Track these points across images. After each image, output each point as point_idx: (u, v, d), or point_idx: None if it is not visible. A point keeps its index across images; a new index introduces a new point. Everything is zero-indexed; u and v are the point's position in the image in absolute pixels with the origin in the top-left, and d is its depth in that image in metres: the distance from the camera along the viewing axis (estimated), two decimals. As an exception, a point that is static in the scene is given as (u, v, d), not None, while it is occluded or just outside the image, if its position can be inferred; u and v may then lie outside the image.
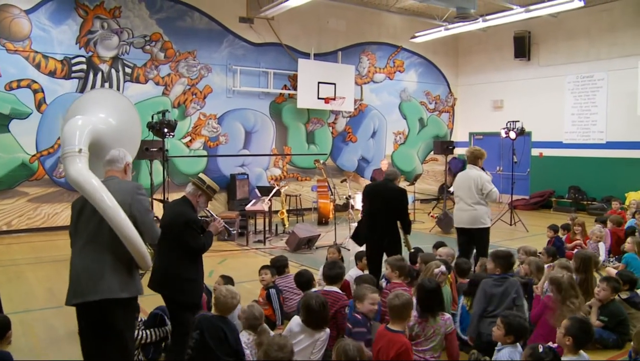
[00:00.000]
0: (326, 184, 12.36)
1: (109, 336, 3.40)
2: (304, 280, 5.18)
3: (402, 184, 13.66)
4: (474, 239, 6.72)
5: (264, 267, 5.59)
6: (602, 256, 7.77)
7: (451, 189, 13.43)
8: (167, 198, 9.18)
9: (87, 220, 3.46)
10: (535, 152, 15.66)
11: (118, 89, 11.60)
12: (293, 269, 7.88)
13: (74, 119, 3.83)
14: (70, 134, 3.68)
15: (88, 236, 3.44)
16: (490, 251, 5.81)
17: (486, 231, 6.76)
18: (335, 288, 4.88)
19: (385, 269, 5.44)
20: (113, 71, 11.65)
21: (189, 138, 12.65)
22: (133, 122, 4.39)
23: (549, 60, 15.20)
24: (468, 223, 6.70)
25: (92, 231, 3.43)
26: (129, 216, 3.42)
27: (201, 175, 4.61)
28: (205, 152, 12.86)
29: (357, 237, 6.54)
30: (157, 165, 10.36)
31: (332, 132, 15.11)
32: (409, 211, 6.54)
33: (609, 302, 5.09)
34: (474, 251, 6.82)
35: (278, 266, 5.78)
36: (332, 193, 11.43)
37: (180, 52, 12.44)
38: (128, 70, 11.84)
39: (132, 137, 4.34)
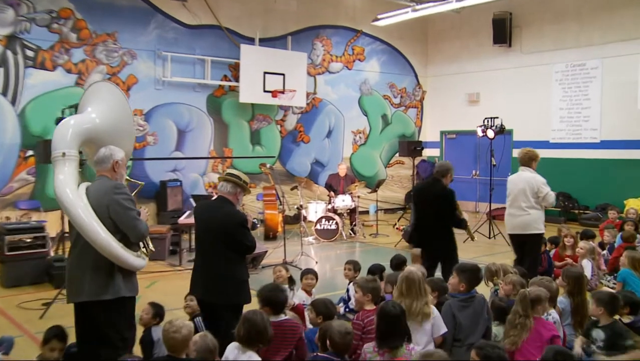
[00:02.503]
0: (274, 192, 12.34)
1: (96, 335, 4.21)
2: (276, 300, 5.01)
3: (363, 191, 13.81)
4: (524, 247, 7.29)
5: (188, 294, 5.53)
6: (588, 274, 7.95)
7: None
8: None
9: (73, 226, 4.25)
10: (517, 153, 15.97)
11: (17, 75, 11.22)
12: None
13: (66, 120, 4.56)
14: (57, 137, 4.37)
15: (74, 241, 4.32)
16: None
17: (540, 238, 7.38)
18: (283, 317, 4.71)
19: (354, 292, 5.41)
20: (9, 53, 11.24)
21: (107, 138, 12.32)
22: (127, 116, 4.90)
23: (534, 46, 15.57)
24: (521, 228, 7.25)
25: (76, 238, 4.26)
26: (108, 219, 4.15)
27: (231, 170, 5.23)
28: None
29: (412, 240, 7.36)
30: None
31: (280, 132, 15.08)
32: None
33: (610, 323, 5.09)
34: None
35: None
36: (281, 202, 11.37)
37: (97, 33, 12.15)
38: (30, 53, 11.45)
39: (127, 131, 4.87)
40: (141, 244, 4.48)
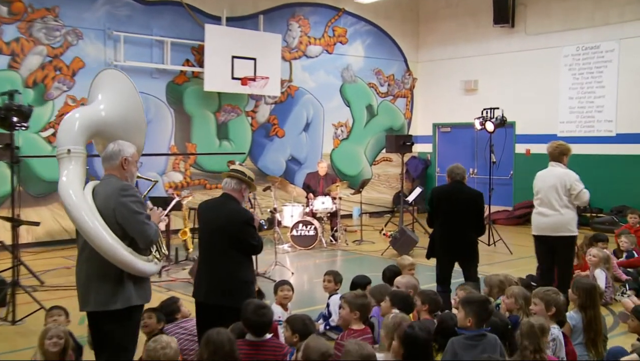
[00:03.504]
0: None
1: (108, 345, 4.41)
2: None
3: (345, 192, 13.80)
4: (554, 251, 7.45)
5: (148, 310, 5.60)
6: (602, 286, 7.97)
7: (410, 198, 13.84)
8: (19, 215, 8.76)
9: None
10: (520, 148, 16.10)
11: None
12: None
13: (71, 113, 4.67)
14: (61, 133, 4.53)
15: (82, 247, 4.42)
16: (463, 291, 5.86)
17: (573, 241, 7.55)
18: (266, 337, 4.80)
19: (340, 308, 5.37)
20: None
21: (51, 131, 12.23)
22: (137, 106, 4.96)
23: (540, 26, 15.62)
24: (552, 230, 7.40)
25: (84, 242, 4.35)
26: (115, 223, 4.27)
27: (234, 166, 5.58)
28: (74, 151, 12.45)
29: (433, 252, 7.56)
30: (3, 168, 9.97)
31: (251, 124, 15.03)
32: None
33: None
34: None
35: (166, 312, 5.87)
36: (252, 205, 11.30)
37: (34, 7, 11.99)
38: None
39: (137, 124, 4.96)
40: (153, 247, 4.61)
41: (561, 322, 5.36)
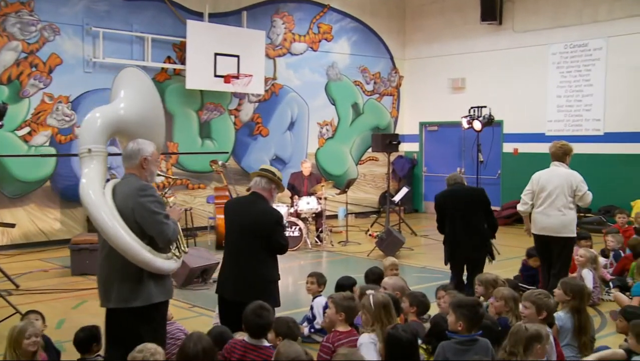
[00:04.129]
0: (227, 193, 12.31)
1: (129, 342, 4.35)
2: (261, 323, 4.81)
3: (331, 192, 13.76)
4: (553, 251, 7.63)
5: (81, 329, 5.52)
6: (590, 285, 8.02)
7: (396, 198, 13.84)
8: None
9: None
10: (507, 148, 16.15)
11: None
12: (181, 311, 7.61)
13: (92, 112, 4.85)
14: (83, 132, 4.77)
15: (102, 244, 4.60)
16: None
17: (573, 242, 7.79)
18: (264, 343, 4.74)
19: (326, 309, 5.35)
20: None
21: (27, 130, 12.19)
22: (156, 105, 5.19)
23: (528, 24, 15.68)
24: (554, 230, 7.54)
25: (103, 240, 4.54)
26: (134, 223, 4.42)
27: (264, 166, 5.82)
28: (53, 150, 12.50)
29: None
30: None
31: (234, 123, 14.99)
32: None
33: None
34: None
35: None
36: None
37: (8, 1, 11.88)
38: None
39: (157, 122, 5.16)
40: (173, 245, 4.75)
41: (549, 324, 5.35)
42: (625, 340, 5.34)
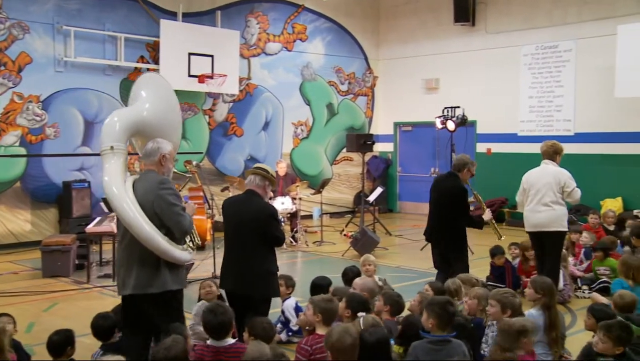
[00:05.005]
0: (201, 194, 12.31)
1: (145, 328, 4.98)
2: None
3: (305, 192, 13.77)
4: (545, 246, 7.81)
5: (101, 316, 5.60)
6: (560, 284, 8.14)
7: (371, 198, 13.89)
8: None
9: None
10: (481, 148, 16.27)
11: None
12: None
13: (113, 114, 5.30)
14: (104, 132, 5.16)
15: (122, 235, 5.03)
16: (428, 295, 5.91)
17: (563, 236, 7.99)
18: (229, 341, 4.74)
19: (306, 309, 5.36)
20: None
21: (-4, 130, 12.08)
22: (174, 107, 5.69)
23: (500, 25, 15.81)
24: (544, 225, 7.75)
25: (124, 231, 4.95)
26: (153, 214, 4.83)
27: (258, 164, 6.23)
28: (23, 150, 12.38)
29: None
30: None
31: (209, 123, 14.97)
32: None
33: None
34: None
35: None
36: (209, 205, 11.27)
37: (-25, -1, 11.80)
38: None
39: (174, 123, 5.65)
40: (187, 237, 5.16)
41: None
42: (593, 337, 5.42)
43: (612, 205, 13.14)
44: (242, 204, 5.87)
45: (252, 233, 5.67)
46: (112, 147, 5.07)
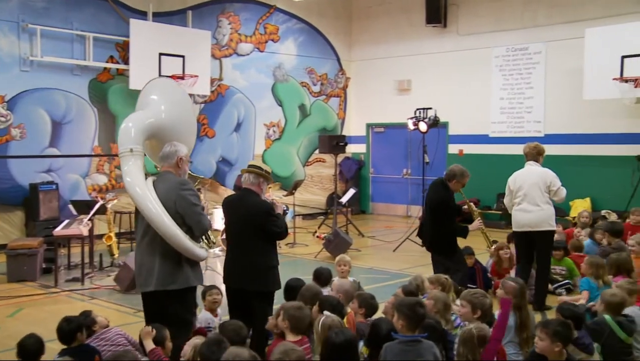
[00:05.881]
0: None
1: (170, 321, 5.18)
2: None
3: (278, 193, 13.75)
4: (534, 245, 8.04)
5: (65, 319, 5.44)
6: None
7: (343, 199, 13.91)
8: None
9: (142, 219, 5.25)
10: (453, 149, 16.37)
11: None
12: (125, 317, 7.50)
13: (126, 119, 5.59)
14: (121, 135, 5.46)
15: (143, 234, 5.28)
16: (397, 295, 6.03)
17: (552, 235, 8.20)
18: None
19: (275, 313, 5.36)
20: None
21: (-41, 131, 11.93)
22: (189, 112, 6.08)
23: (472, 27, 15.93)
24: (534, 224, 7.95)
25: (146, 228, 5.23)
26: (175, 213, 5.12)
27: (251, 162, 6.40)
28: (-13, 152, 12.25)
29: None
30: None
31: (180, 124, 14.79)
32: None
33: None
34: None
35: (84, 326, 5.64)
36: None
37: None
38: None
39: (189, 128, 6.01)
40: (203, 237, 5.46)
41: (488, 322, 5.46)
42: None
43: (582, 206, 13.34)
44: (238, 203, 6.09)
45: (250, 229, 5.84)
46: (131, 150, 5.35)
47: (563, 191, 8.08)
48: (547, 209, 7.99)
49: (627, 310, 5.85)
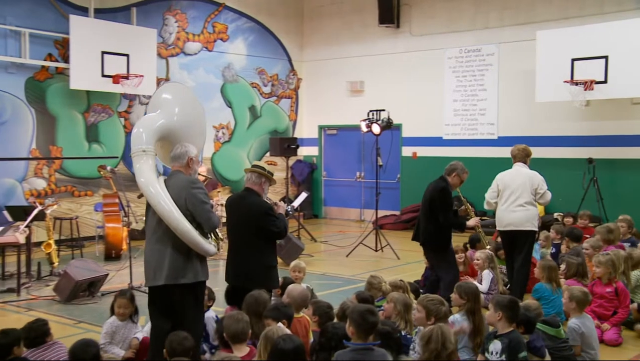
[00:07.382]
0: (117, 200, 12.15)
1: (175, 316, 5.54)
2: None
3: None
4: (517, 245, 8.31)
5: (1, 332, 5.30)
6: (484, 287, 8.30)
7: (295, 203, 13.86)
8: None
9: (152, 215, 5.58)
10: (407, 151, 16.47)
11: None
12: (65, 328, 7.29)
13: (136, 124, 6.01)
14: (136, 135, 5.81)
15: (153, 229, 5.59)
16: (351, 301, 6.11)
17: (533, 236, 8.53)
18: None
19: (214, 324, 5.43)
20: None
21: None
22: (200, 115, 6.32)
23: (425, 28, 16.05)
24: (518, 224, 8.25)
25: (156, 225, 5.56)
26: (186, 210, 5.44)
27: (255, 162, 6.84)
28: None
29: None
30: None
31: (124, 126, 14.74)
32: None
33: (508, 332, 5.28)
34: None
35: (36, 335, 5.54)
36: (125, 213, 10.99)
37: None
38: None
39: (200, 130, 6.27)
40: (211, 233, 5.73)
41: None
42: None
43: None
44: (239, 202, 6.48)
45: (249, 229, 6.24)
46: (144, 150, 5.69)
47: (549, 195, 8.37)
48: (532, 210, 8.30)
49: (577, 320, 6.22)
